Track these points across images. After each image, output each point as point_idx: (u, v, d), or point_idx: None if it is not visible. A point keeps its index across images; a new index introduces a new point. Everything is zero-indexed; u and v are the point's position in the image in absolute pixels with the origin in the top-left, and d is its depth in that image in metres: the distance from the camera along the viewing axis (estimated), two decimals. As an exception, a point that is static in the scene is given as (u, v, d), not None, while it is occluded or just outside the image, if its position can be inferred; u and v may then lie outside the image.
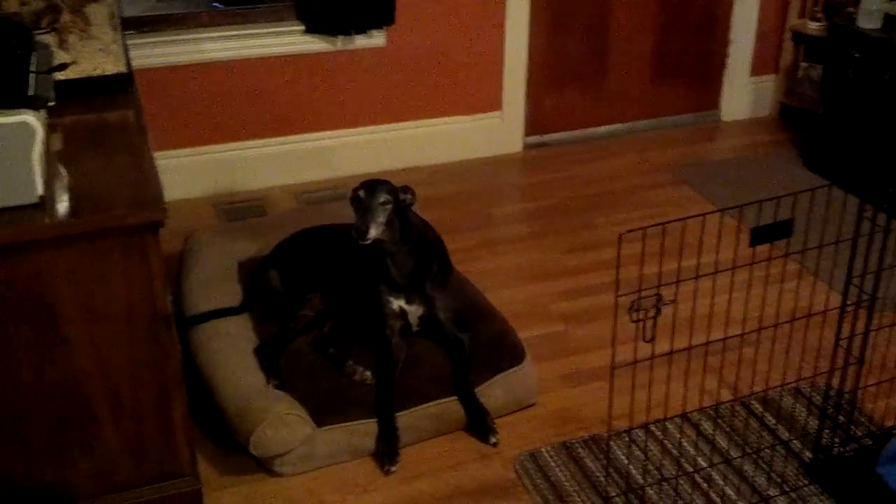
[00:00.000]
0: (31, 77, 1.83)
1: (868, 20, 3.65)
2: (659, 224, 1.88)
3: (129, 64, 2.33)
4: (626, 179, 3.93)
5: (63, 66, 2.05)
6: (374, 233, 2.37)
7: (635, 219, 3.51)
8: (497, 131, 4.11)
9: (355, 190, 2.44)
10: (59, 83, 2.01)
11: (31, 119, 1.70)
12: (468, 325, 2.62)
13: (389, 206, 2.40)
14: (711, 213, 2.02)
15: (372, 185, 2.42)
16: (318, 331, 2.61)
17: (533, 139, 4.23)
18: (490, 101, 4.05)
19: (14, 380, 1.77)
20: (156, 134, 3.50)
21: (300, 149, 3.83)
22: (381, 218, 2.39)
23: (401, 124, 3.95)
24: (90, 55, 2.29)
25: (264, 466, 2.32)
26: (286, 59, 3.68)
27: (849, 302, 2.13)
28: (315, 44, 3.68)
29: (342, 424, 2.34)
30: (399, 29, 3.74)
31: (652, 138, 4.33)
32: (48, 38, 2.21)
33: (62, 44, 2.27)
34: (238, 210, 3.60)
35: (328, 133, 3.86)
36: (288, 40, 3.65)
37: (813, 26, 4.25)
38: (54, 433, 1.84)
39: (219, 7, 4.13)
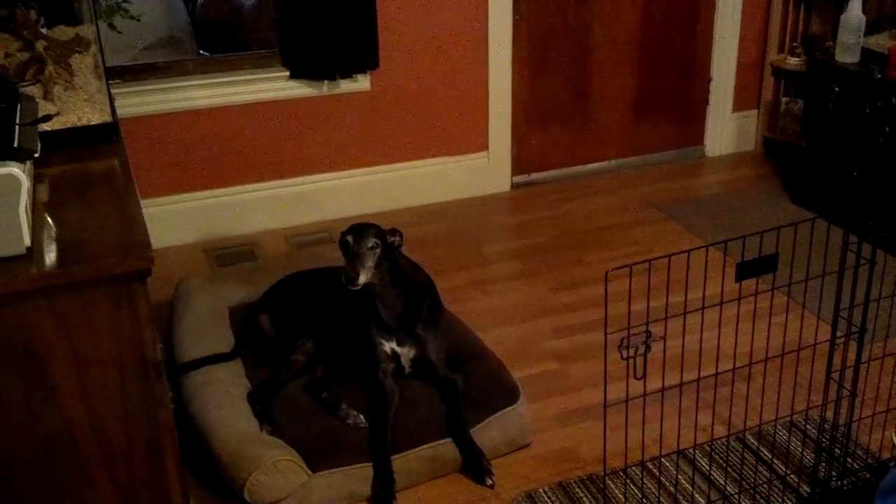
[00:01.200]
0: (16, 129, 1.83)
1: (846, 54, 3.70)
2: (645, 261, 1.89)
3: (114, 113, 2.34)
4: (614, 217, 3.96)
5: (48, 118, 2.05)
6: (363, 278, 2.37)
7: (624, 255, 3.53)
8: (484, 171, 4.14)
9: (343, 234, 2.44)
10: (44, 134, 2.01)
11: (17, 171, 1.70)
12: (461, 366, 2.61)
13: (378, 250, 2.41)
14: (696, 249, 2.03)
15: (359, 230, 2.43)
16: (311, 375, 2.59)
17: (520, 178, 4.25)
18: (476, 142, 4.09)
19: (3, 429, 1.74)
20: (144, 181, 3.53)
21: (289, 193, 3.84)
22: (370, 262, 2.39)
23: (388, 166, 3.97)
24: (75, 105, 2.30)
25: (259, 514, 2.29)
26: (272, 104, 3.70)
27: (838, 334, 2.14)
28: (300, 89, 3.71)
29: (337, 469, 2.31)
30: (384, 72, 3.78)
31: (638, 175, 4.37)
32: (33, 90, 2.22)
33: (47, 95, 2.27)
34: (228, 255, 3.60)
35: (316, 176, 3.87)
36: (273, 86, 3.68)
37: (792, 61, 4.32)
38: (45, 482, 1.81)
39: (204, 54, 4.18)
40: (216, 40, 4.38)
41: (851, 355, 2.17)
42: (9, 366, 1.70)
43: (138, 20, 3.99)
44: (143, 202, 3.41)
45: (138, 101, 3.49)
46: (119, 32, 3.88)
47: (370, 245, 2.40)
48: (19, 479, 1.79)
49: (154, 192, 3.60)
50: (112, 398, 1.79)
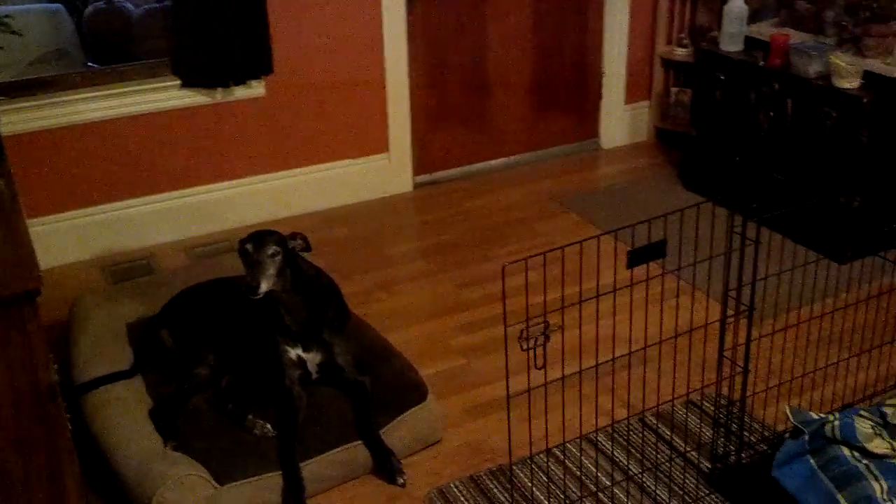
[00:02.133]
0: None
1: (730, 43, 3.84)
2: (540, 254, 1.93)
3: (-3, 132, 2.27)
4: (516, 212, 4.02)
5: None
6: (265, 287, 2.35)
7: (526, 249, 3.59)
8: (386, 172, 4.15)
9: (242, 242, 2.42)
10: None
11: None
12: (368, 368, 2.62)
13: (279, 258, 2.39)
14: (588, 239, 2.08)
15: (259, 238, 2.41)
16: (216, 387, 2.56)
17: (422, 178, 4.28)
18: (376, 143, 4.09)
19: None
20: (34, 199, 3.43)
21: (187, 203, 3.78)
22: (272, 270, 2.37)
23: (288, 172, 3.95)
24: (-45, 125, 2.22)
25: (167, 532, 2.25)
26: (165, 114, 3.64)
27: (729, 313, 2.22)
28: (193, 97, 3.65)
29: (246, 480, 2.29)
30: (278, 77, 3.75)
31: (538, 170, 4.44)
32: None
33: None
34: (125, 270, 3.52)
35: (214, 185, 3.82)
36: (165, 95, 3.62)
37: (680, 52, 4.46)
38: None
39: (93, 66, 4.07)
40: (105, 51, 4.28)
41: (742, 333, 2.25)
42: None
43: (20, 35, 3.86)
44: (33, 220, 3.33)
45: (26, 118, 3.39)
46: (0, 48, 3.75)
47: (270, 252, 2.38)
48: None
49: (45, 210, 3.50)
50: (5, 425, 1.74)
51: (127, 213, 3.68)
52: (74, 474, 1.86)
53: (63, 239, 3.51)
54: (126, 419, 2.39)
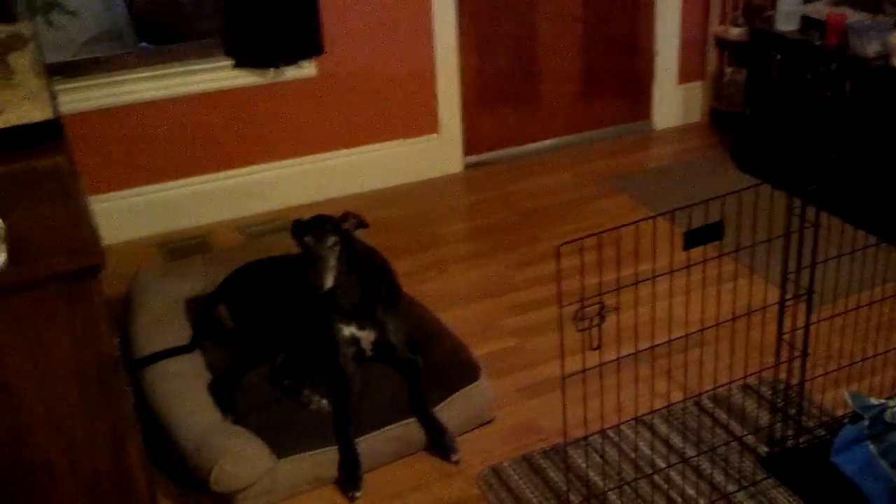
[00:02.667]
0: (-43, 130, 1.80)
1: (786, 22, 3.77)
2: (594, 234, 1.92)
3: (56, 110, 2.30)
4: (567, 193, 3.99)
5: (-11, 116, 2.02)
6: (329, 283, 2.39)
7: (577, 230, 3.56)
8: (436, 153, 4.15)
9: (298, 228, 2.44)
10: (-15, 135, 1.98)
11: (-40, 172, 1.68)
12: (421, 347, 2.63)
13: (338, 247, 2.42)
14: (643, 220, 2.06)
15: (318, 230, 2.42)
16: (272, 363, 2.59)
17: (472, 159, 4.27)
18: (426, 124, 4.09)
19: (-38, 433, 1.73)
20: (92, 178, 3.48)
21: (240, 183, 3.82)
22: (333, 261, 2.40)
23: (339, 152, 3.96)
24: (16, 104, 2.25)
25: (227, 502, 2.29)
26: (218, 94, 3.67)
27: (787, 296, 2.19)
28: (245, 78, 3.68)
29: (302, 454, 2.32)
30: (329, 58, 3.76)
31: (588, 151, 4.41)
32: (-28, 90, 2.18)
33: (-14, 94, 2.23)
34: (181, 248, 3.57)
35: (266, 165, 3.85)
36: (218, 76, 3.65)
37: (734, 32, 4.38)
38: (7, 480, 1.80)
39: (146, 47, 4.12)
40: (156, 32, 4.31)
41: (801, 317, 2.22)
42: (-38, 368, 1.69)
43: (74, 14, 3.93)
44: (92, 199, 3.39)
45: (81, 98, 3.44)
46: (56, 29, 3.82)
47: (330, 244, 2.40)
48: (-20, 480, 1.78)
49: (103, 189, 3.55)
50: (70, 395, 1.78)
51: (182, 192, 3.73)
52: (137, 444, 1.90)
53: (120, 217, 3.57)
54: (185, 393, 2.43)
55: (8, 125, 2.19)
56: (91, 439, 1.84)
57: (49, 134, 2.23)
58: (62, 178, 2.07)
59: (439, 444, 2.45)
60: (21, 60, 2.24)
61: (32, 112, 2.24)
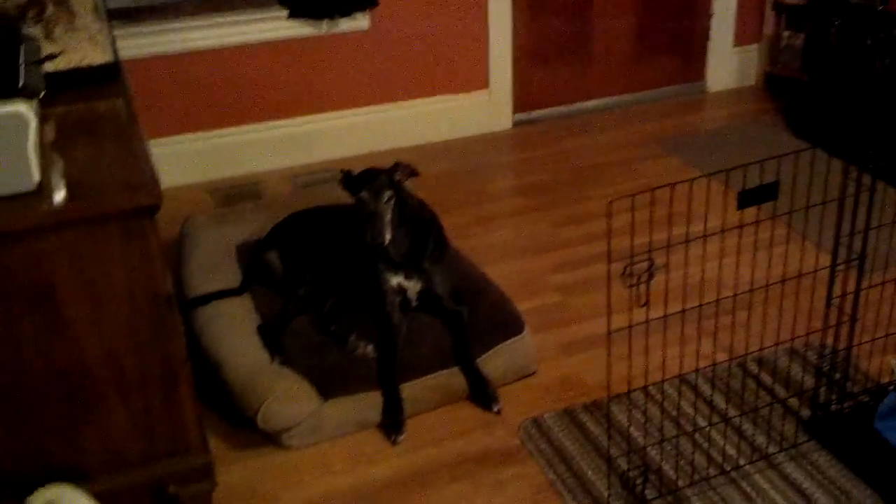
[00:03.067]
0: (21, 68, 1.84)
1: (848, -15, 3.67)
2: (647, 191, 1.91)
3: (116, 53, 2.34)
4: (616, 153, 3.96)
5: (52, 57, 2.06)
6: (388, 237, 2.41)
7: (625, 190, 3.48)
8: (485, 109, 4.13)
9: (348, 180, 2.47)
10: (47, 75, 2.02)
11: (24, 109, 1.71)
12: (466, 299, 2.65)
13: (393, 200, 2.44)
14: (698, 178, 2.05)
15: (374, 185, 2.44)
16: (319, 309, 2.63)
17: (521, 116, 4.25)
18: (477, 80, 4.07)
19: (21, 363, 1.79)
20: (147, 122, 3.52)
21: (291, 132, 3.85)
22: (389, 215, 2.43)
23: (389, 105, 3.97)
24: (77, 46, 2.29)
25: (273, 440, 2.35)
26: (272, 44, 3.69)
27: (839, 261, 2.17)
28: (300, 28, 3.69)
29: (347, 397, 2.37)
30: (383, 10, 3.75)
31: (639, 111, 4.36)
32: (34, 31, 2.22)
33: (48, 35, 2.27)
34: (233, 194, 3.62)
35: (318, 116, 3.87)
36: (273, 26, 3.66)
37: (794, -5, 4.28)
38: (63, 413, 1.86)
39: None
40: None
41: (851, 283, 2.19)
42: (23, 300, 1.74)
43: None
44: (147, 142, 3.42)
45: (137, 44, 3.48)
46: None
47: (386, 199, 2.43)
48: (37, 411, 1.84)
49: (157, 133, 3.60)
50: (125, 330, 1.83)
51: (234, 139, 3.77)
52: (188, 381, 1.95)
53: (173, 161, 3.62)
54: (235, 334, 2.48)
55: (70, 66, 2.23)
56: (144, 375, 1.90)
57: (109, 76, 2.27)
58: (121, 119, 2.12)
59: (481, 393, 2.47)
60: (83, 4, 2.27)
61: (93, 54, 2.28)
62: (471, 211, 3.51)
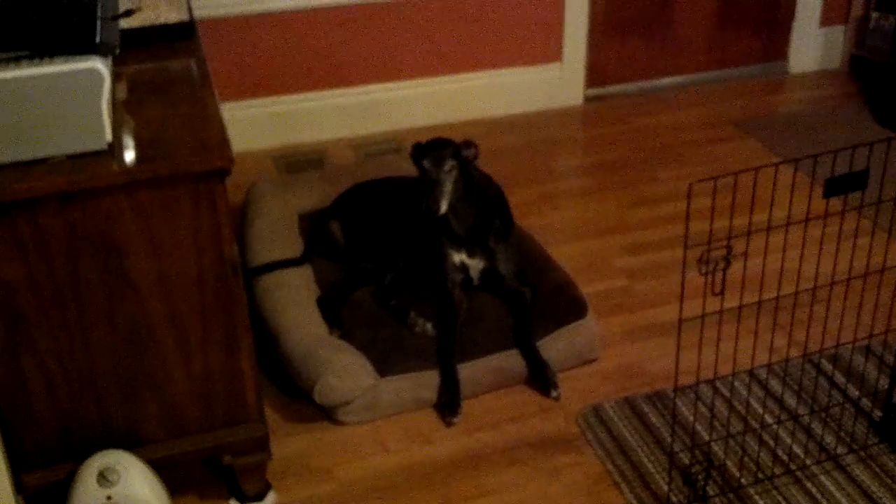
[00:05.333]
0: (98, 23, 1.82)
1: (948, -34, 3.49)
2: (730, 174, 1.83)
3: (191, 12, 2.32)
4: (690, 133, 3.85)
5: (130, 13, 2.04)
6: (444, 207, 2.37)
7: (700, 173, 3.41)
8: (557, 83, 4.04)
9: (418, 153, 2.43)
10: (122, 32, 2.00)
11: (100, 65, 1.70)
12: (529, 279, 2.60)
13: (455, 172, 2.39)
14: (782, 163, 1.96)
15: (437, 154, 2.39)
16: (380, 282, 2.61)
17: (593, 91, 4.15)
18: (550, 52, 3.98)
19: (86, 323, 1.80)
20: (215, 85, 3.52)
21: (358, 101, 3.81)
22: (449, 187, 2.38)
23: (459, 76, 3.90)
24: (152, 3, 2.29)
25: (328, 414, 2.34)
26: (345, 8, 3.64)
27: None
28: (375, -7, 3.64)
29: (405, 375, 2.34)
30: (458, -22, 3.69)
31: (717, 90, 4.22)
32: (110, -14, 2.21)
33: (124, -9, 2.26)
34: (297, 163, 3.61)
35: (386, 85, 3.83)
36: (343, -10, 3.62)
37: (887, -26, 4.09)
38: (124, 375, 1.87)
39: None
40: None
41: (938, 281, 2.09)
42: (92, 258, 1.74)
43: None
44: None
45: (210, 3, 3.45)
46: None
47: (448, 168, 2.37)
48: (100, 372, 1.85)
49: (223, 97, 3.59)
50: (190, 292, 1.83)
51: (302, 105, 3.75)
52: (249, 349, 1.94)
53: (238, 126, 3.59)
54: (295, 304, 2.47)
55: (145, 24, 2.22)
56: (206, 340, 1.89)
57: (183, 35, 2.26)
58: (194, 80, 2.10)
59: (540, 378, 2.43)
60: (159, -39, 2.26)
61: (168, 13, 2.27)
62: (537, 188, 3.44)
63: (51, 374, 1.82)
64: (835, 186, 1.87)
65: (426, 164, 2.39)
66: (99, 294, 1.78)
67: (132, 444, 1.92)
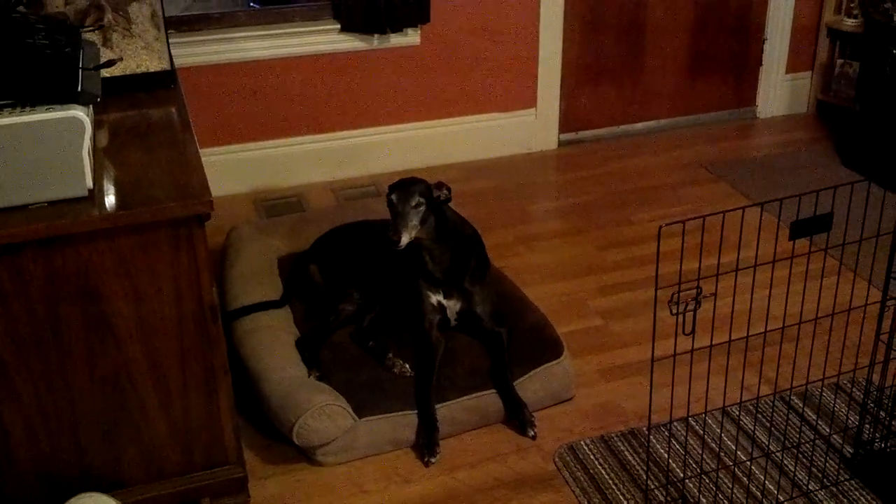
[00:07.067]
0: (80, 73, 1.86)
1: (907, 16, 3.61)
2: (699, 217, 1.88)
3: (171, 61, 2.37)
4: (663, 176, 3.93)
5: (111, 63, 2.09)
6: (405, 239, 2.38)
7: (672, 215, 3.50)
8: (532, 128, 4.13)
9: (390, 189, 2.46)
10: (104, 80, 2.05)
11: (80, 114, 1.74)
12: (506, 320, 2.63)
13: (423, 208, 2.42)
14: (750, 206, 2.02)
15: (404, 188, 2.43)
16: (359, 324, 2.63)
17: (568, 136, 4.23)
18: (525, 99, 4.07)
19: (65, 366, 1.81)
20: (195, 131, 3.56)
21: (337, 146, 3.87)
22: (415, 221, 2.40)
23: (436, 122, 3.97)
24: (134, 53, 2.33)
25: (307, 456, 2.35)
26: (323, 57, 3.71)
27: (890, 296, 2.12)
28: (351, 42, 3.71)
29: (383, 416, 2.36)
30: (434, 27, 3.77)
31: (688, 135, 4.32)
32: (93, 36, 2.26)
33: (106, 42, 2.31)
34: (277, 206, 3.65)
35: (365, 130, 3.89)
36: (324, 39, 3.69)
37: (849, 23, 4.22)
38: (103, 419, 1.88)
39: (255, 7, 4.19)
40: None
41: (901, 319, 2.14)
42: (71, 304, 1.76)
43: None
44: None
45: (190, 52, 3.52)
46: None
47: (414, 203, 2.41)
48: (79, 416, 1.86)
49: (204, 142, 3.64)
50: (170, 337, 1.85)
51: (281, 150, 3.80)
52: (228, 392, 1.96)
53: (220, 171, 3.65)
54: (274, 347, 2.48)
55: (126, 73, 2.27)
56: (185, 384, 1.91)
57: (164, 83, 2.31)
58: (175, 127, 2.14)
59: (517, 417, 2.45)
60: (141, 12, 2.31)
61: (149, 61, 2.32)
62: (513, 231, 3.50)
63: (30, 419, 1.82)
64: (800, 229, 1.92)
65: (393, 197, 2.43)
66: (79, 338, 1.79)
67: (111, 486, 1.92)
